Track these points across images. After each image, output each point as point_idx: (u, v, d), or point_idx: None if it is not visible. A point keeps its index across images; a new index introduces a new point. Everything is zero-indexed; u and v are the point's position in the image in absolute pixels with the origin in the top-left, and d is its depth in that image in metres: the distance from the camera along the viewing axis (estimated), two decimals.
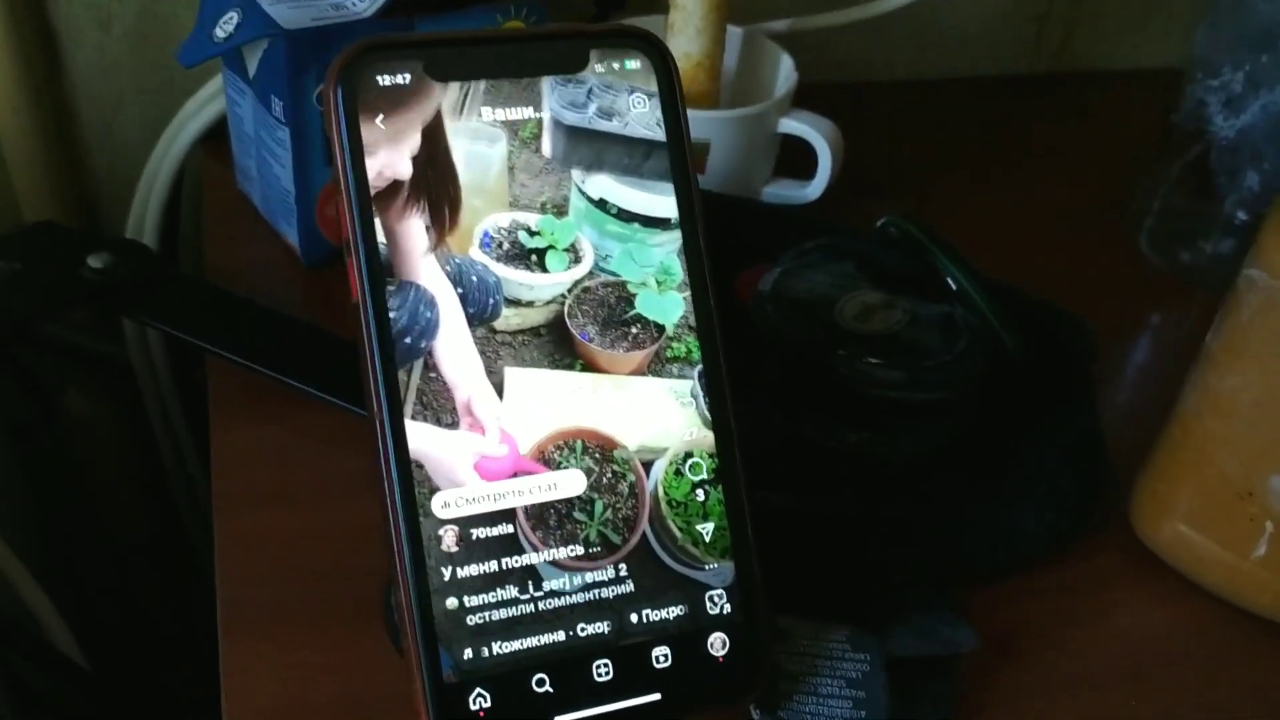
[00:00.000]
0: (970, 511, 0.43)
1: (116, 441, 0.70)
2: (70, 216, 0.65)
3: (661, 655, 0.32)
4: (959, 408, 0.44)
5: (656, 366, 0.33)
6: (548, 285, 0.32)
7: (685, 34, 0.55)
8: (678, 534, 0.32)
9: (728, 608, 0.33)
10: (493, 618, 0.31)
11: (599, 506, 0.32)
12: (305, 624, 0.39)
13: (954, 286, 0.47)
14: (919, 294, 0.47)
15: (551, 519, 0.32)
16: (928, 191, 0.67)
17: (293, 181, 0.52)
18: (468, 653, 0.31)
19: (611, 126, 0.33)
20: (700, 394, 0.33)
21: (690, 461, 0.33)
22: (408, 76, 0.32)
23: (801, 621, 0.37)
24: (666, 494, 0.32)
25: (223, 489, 0.44)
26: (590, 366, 0.33)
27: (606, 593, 0.32)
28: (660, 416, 0.33)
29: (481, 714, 0.31)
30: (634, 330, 0.33)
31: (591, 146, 0.33)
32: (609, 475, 0.32)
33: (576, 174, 0.33)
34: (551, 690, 0.31)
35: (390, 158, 0.31)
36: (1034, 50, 0.81)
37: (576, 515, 0.32)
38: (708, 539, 0.32)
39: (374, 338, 0.31)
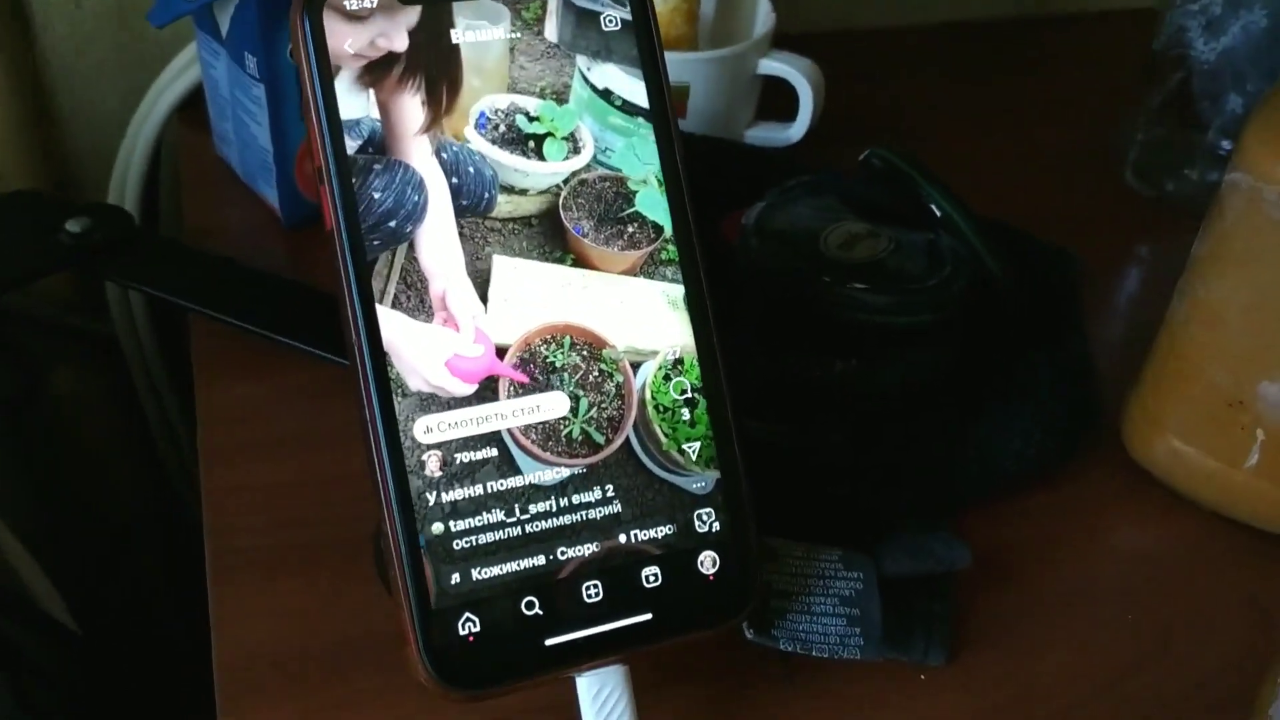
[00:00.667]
0: (960, 436, 0.43)
1: (106, 416, 0.70)
2: (50, 191, 0.65)
3: (651, 575, 0.32)
4: (945, 332, 0.44)
5: (650, 268, 0.32)
6: (544, 174, 0.31)
7: None
8: (663, 439, 0.32)
9: (716, 526, 0.33)
10: (480, 541, 0.31)
11: (584, 404, 0.31)
12: (294, 570, 0.39)
13: (938, 213, 0.47)
14: (903, 224, 0.47)
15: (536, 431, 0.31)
16: (911, 136, 0.66)
17: (270, 140, 0.52)
18: (455, 577, 0.31)
19: (624, 14, 0.32)
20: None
21: (680, 368, 0.32)
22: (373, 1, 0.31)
23: (792, 542, 0.37)
24: (654, 398, 0.32)
25: (209, 443, 0.44)
26: (581, 262, 0.32)
27: (594, 514, 0.32)
28: (651, 319, 0.32)
29: (470, 639, 0.30)
30: (630, 229, 0.32)
31: (600, 34, 0.32)
32: (595, 374, 0.32)
33: (582, 60, 0.32)
34: (541, 613, 0.31)
35: (384, 27, 0.30)
36: None
37: (563, 420, 0.31)
38: (695, 448, 0.32)
39: (350, 264, 0.30)
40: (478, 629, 0.31)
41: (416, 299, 0.31)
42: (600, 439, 0.31)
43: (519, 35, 0.32)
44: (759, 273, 0.43)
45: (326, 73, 0.30)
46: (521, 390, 0.31)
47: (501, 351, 0.31)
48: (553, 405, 0.32)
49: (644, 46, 0.32)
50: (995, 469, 0.42)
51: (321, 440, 0.44)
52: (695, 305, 0.33)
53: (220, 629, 0.37)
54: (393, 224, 0.30)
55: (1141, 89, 0.62)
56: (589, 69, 0.32)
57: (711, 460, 0.32)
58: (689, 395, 0.32)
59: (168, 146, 0.64)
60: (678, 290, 0.32)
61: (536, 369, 0.31)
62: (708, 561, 0.33)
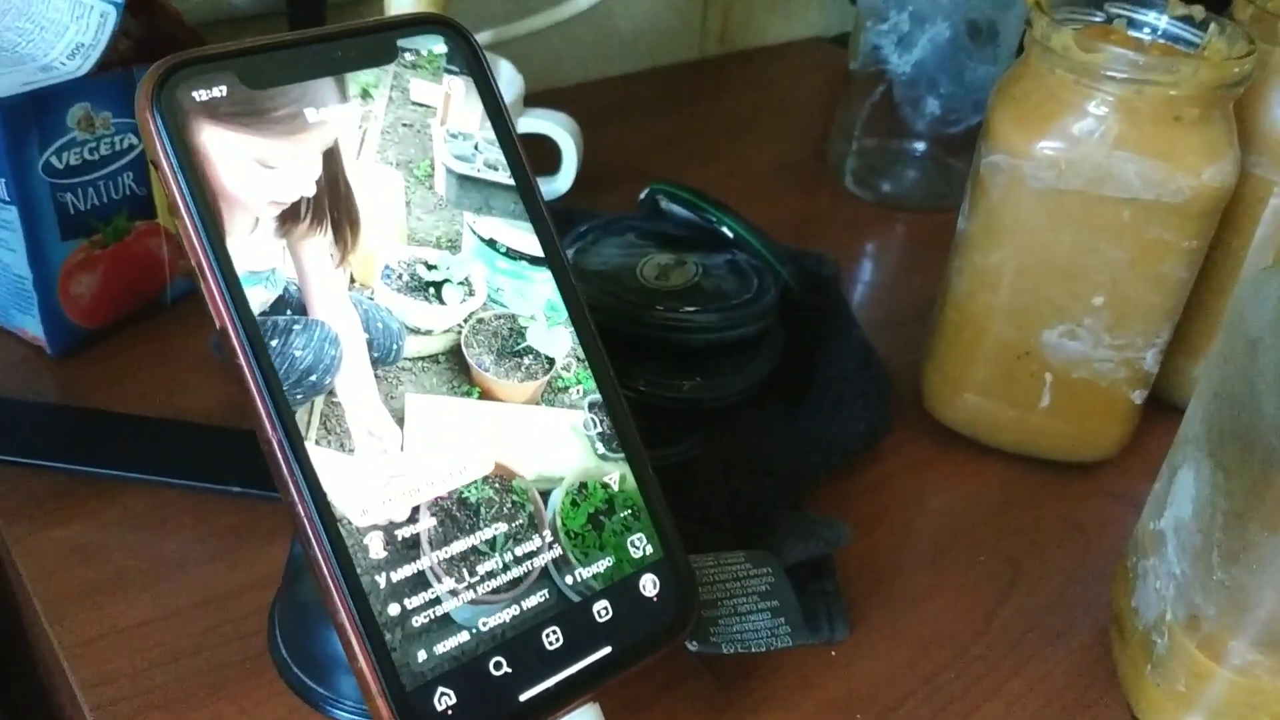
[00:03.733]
0: (802, 428, 0.46)
1: None
2: None
3: (602, 609, 0.33)
4: (767, 338, 0.48)
5: (549, 396, 0.34)
6: (445, 317, 0.33)
7: None
8: (575, 563, 0.33)
9: (649, 549, 0.34)
10: (437, 613, 0.30)
11: (500, 539, 0.32)
12: (186, 706, 0.37)
13: (730, 235, 0.50)
14: (699, 249, 0.50)
15: (460, 555, 0.31)
16: (648, 173, 0.70)
17: (27, 265, 0.48)
18: (421, 654, 0.30)
19: (497, 176, 0.34)
20: (593, 425, 0.34)
21: (584, 492, 0.34)
22: (224, 89, 0.30)
23: (698, 554, 0.39)
24: (564, 524, 0.33)
25: (46, 597, 0.40)
26: (487, 395, 0.33)
27: (539, 561, 0.32)
28: (555, 446, 0.34)
29: (449, 712, 0.30)
30: (526, 361, 0.34)
31: (480, 193, 0.34)
32: (508, 505, 0.32)
33: (468, 215, 0.34)
34: (510, 670, 0.31)
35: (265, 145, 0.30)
36: (702, 38, 0.87)
37: (480, 549, 0.32)
38: (603, 570, 0.33)
39: (251, 356, 0.29)
40: (454, 700, 0.30)
41: (337, 437, 0.30)
42: (519, 572, 0.32)
43: (413, 190, 0.33)
44: (595, 311, 0.45)
45: (199, 191, 0.30)
46: (441, 528, 0.31)
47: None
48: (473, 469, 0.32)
49: (527, 201, 0.35)
50: (837, 448, 0.46)
51: (166, 569, 0.41)
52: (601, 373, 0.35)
53: None
54: (313, 378, 0.31)
55: (843, 102, 0.69)
56: (474, 221, 0.34)
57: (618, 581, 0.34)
58: (597, 515, 0.34)
59: None
60: (577, 416, 0.34)
61: (453, 505, 0.32)
62: (649, 584, 0.34)
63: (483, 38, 0.65)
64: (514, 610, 0.32)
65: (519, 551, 0.32)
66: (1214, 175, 0.42)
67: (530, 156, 0.35)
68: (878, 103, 0.66)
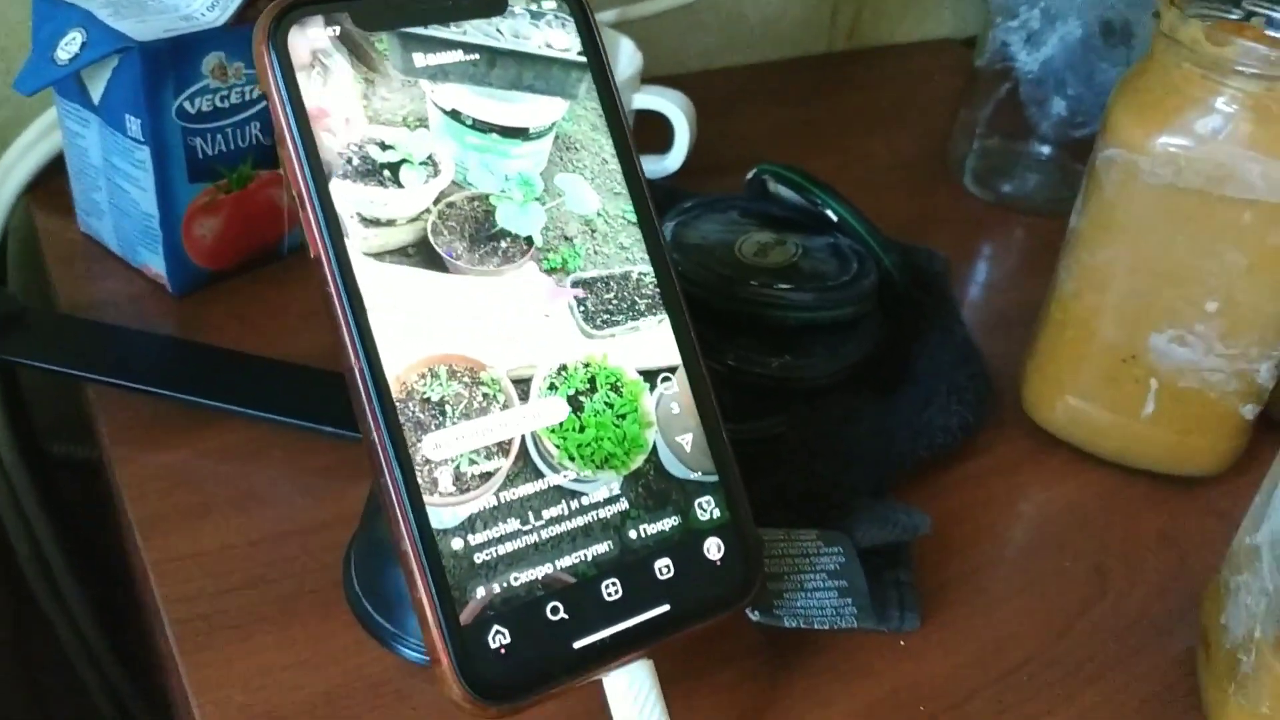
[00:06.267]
0: (891, 417, 0.46)
1: None
2: None
3: (664, 566, 0.33)
4: (864, 323, 0.47)
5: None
6: (406, 201, 0.31)
7: None
8: (639, 518, 0.33)
9: (716, 512, 0.34)
10: (499, 552, 0.31)
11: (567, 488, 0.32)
12: (262, 629, 0.38)
13: (835, 218, 0.50)
14: (802, 230, 0.49)
15: (527, 498, 0.32)
16: (764, 161, 0.70)
17: (156, 205, 0.50)
18: (479, 591, 0.30)
19: (450, 33, 0.33)
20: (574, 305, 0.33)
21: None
22: (336, 29, 0.31)
23: (770, 528, 0.39)
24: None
25: (140, 515, 0.42)
26: None
27: (604, 513, 0.32)
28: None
29: (502, 650, 0.30)
30: (503, 244, 0.33)
31: (432, 56, 0.32)
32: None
33: (425, 84, 0.32)
34: (566, 616, 0.31)
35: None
36: (830, 33, 0.86)
37: (548, 494, 0.32)
38: (668, 528, 0.33)
39: (342, 288, 0.30)
40: (508, 640, 0.30)
41: None
42: (583, 522, 0.32)
43: (372, 70, 0.32)
44: (689, 283, 0.45)
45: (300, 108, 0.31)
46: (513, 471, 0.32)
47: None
48: (552, 412, 0.32)
49: (600, 83, 0.34)
50: (924, 440, 0.45)
51: (255, 500, 0.43)
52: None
53: (201, 694, 0.35)
54: None
55: (967, 100, 0.68)
56: (433, 91, 0.32)
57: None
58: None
59: (16, 231, 0.61)
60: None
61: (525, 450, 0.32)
62: (713, 548, 0.34)
63: (606, 17, 0.66)
64: (575, 558, 0.32)
65: (585, 501, 0.32)
66: None
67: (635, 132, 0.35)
68: (1002, 101, 0.64)
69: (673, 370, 0.34)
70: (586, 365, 0.33)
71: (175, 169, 0.50)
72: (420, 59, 0.32)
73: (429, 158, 0.32)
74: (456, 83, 0.33)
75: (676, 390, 0.34)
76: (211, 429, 0.45)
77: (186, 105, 0.49)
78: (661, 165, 0.60)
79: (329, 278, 0.31)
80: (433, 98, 0.32)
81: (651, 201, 0.35)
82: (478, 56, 0.33)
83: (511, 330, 0.32)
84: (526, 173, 0.33)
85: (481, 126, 0.33)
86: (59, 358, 0.46)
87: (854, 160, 0.72)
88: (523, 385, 0.32)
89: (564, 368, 0.33)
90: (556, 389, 0.32)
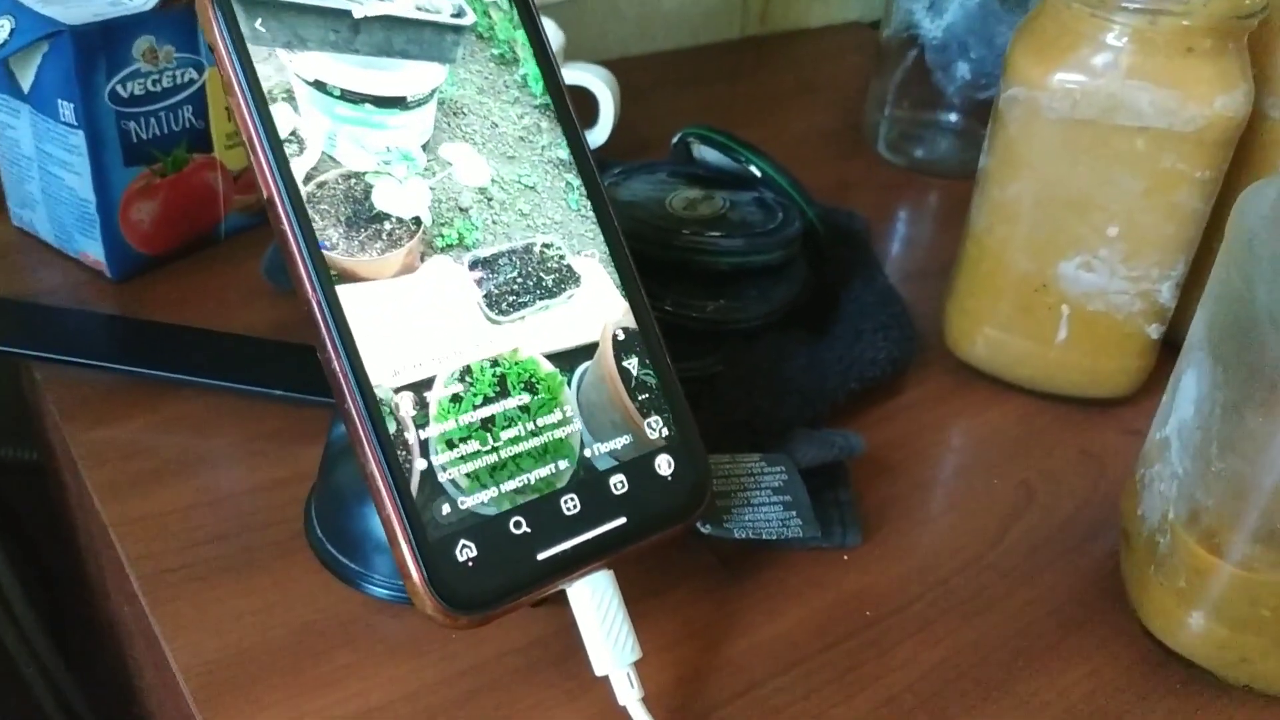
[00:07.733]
0: (823, 353, 0.48)
1: None
2: None
3: (618, 482, 0.34)
4: (791, 268, 0.49)
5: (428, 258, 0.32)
6: None
7: None
8: (592, 437, 0.34)
9: (665, 431, 0.36)
10: (462, 471, 0.32)
11: (523, 410, 0.33)
12: (229, 579, 0.39)
13: (759, 174, 0.52)
14: (728, 187, 0.52)
15: (486, 420, 0.33)
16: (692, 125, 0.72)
17: (92, 189, 0.50)
18: (445, 508, 0.32)
19: None
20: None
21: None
22: None
23: (715, 455, 0.41)
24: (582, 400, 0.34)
25: (97, 481, 0.42)
26: (347, 277, 0.30)
27: (559, 433, 0.34)
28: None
29: (470, 563, 0.32)
30: (386, 226, 0.31)
31: (284, 23, 0.30)
32: (533, 378, 0.34)
33: (283, 54, 0.31)
34: (529, 530, 0.33)
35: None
36: (743, 18, 0.89)
37: (507, 416, 0.33)
38: (620, 446, 0.35)
39: (295, 224, 0.32)
40: (474, 553, 0.32)
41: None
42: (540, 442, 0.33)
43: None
44: (624, 237, 0.47)
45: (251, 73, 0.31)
46: (469, 394, 0.33)
47: None
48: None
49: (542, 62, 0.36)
50: (855, 373, 0.47)
51: (210, 463, 0.44)
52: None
53: (174, 641, 0.36)
54: None
55: (876, 75, 0.71)
56: (291, 61, 0.31)
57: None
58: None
59: None
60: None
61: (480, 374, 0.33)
62: (664, 464, 0.35)
63: None
64: (534, 475, 0.33)
65: (541, 422, 0.34)
66: (1226, 104, 0.43)
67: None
68: (910, 70, 0.67)
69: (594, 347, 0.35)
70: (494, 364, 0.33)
71: (110, 153, 0.50)
72: (273, 28, 0.31)
73: (293, 133, 0.30)
74: (317, 50, 0.31)
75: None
76: (162, 401, 0.46)
77: (119, 89, 0.49)
78: (590, 139, 0.62)
79: (281, 214, 0.32)
80: (293, 68, 0.31)
81: (584, 134, 0.37)
82: (337, 23, 0.32)
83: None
84: (406, 146, 0.32)
85: (352, 97, 0.31)
86: (2, 338, 0.46)
87: (773, 134, 0.75)
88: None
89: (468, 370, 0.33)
90: (460, 400, 0.32)
